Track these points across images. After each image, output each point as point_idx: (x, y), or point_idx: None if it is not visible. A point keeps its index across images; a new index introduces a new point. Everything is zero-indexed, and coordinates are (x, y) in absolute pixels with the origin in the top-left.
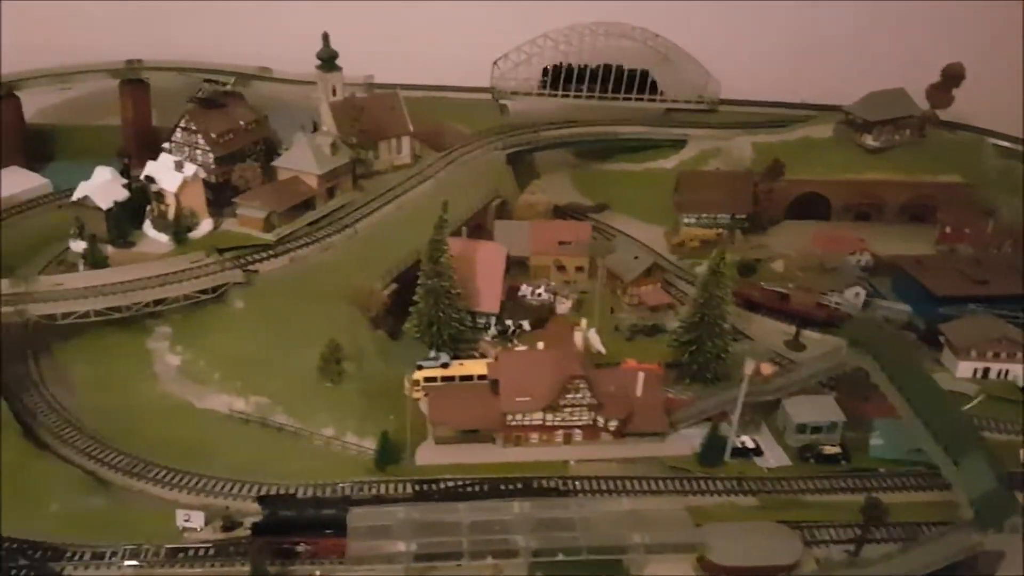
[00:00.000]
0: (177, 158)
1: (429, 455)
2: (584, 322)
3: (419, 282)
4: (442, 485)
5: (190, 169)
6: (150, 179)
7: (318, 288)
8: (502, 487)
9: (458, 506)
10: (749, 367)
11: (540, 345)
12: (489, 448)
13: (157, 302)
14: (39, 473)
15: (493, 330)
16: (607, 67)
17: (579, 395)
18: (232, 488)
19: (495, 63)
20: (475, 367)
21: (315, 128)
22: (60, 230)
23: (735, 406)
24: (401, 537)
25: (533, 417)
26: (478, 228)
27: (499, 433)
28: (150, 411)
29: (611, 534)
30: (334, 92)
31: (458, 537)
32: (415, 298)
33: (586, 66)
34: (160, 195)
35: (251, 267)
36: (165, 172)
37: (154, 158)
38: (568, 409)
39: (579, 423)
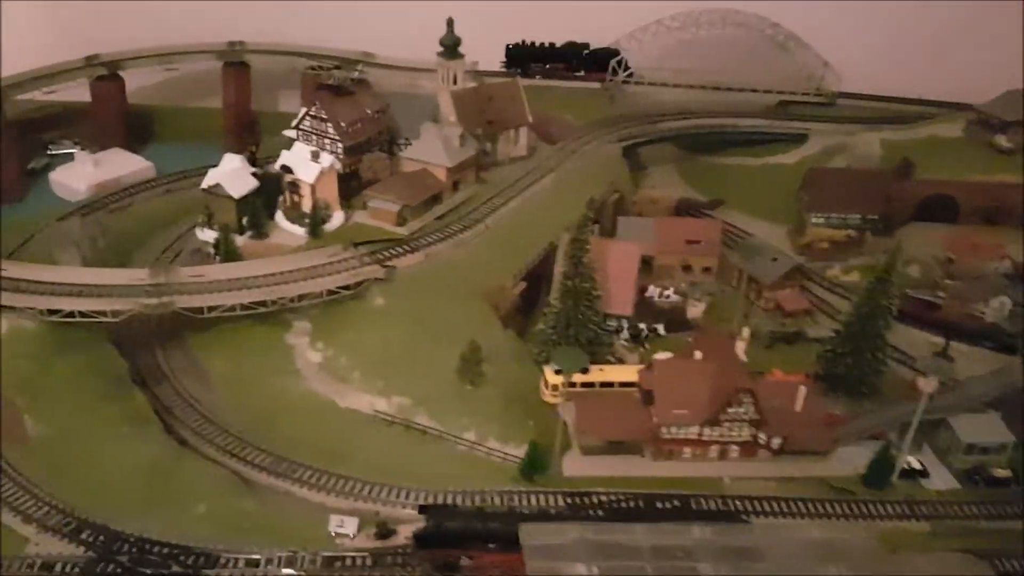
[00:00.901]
0: (312, 147)
1: (576, 466)
2: (746, 332)
3: (559, 282)
4: (595, 499)
5: (327, 160)
6: (286, 168)
7: (453, 285)
8: (658, 504)
9: (635, 527)
10: (928, 384)
11: (697, 354)
12: (638, 461)
13: (300, 297)
14: (184, 472)
15: (626, 333)
16: (571, 44)
17: (741, 410)
18: (381, 492)
19: None
20: (618, 373)
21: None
22: (167, 216)
23: (901, 424)
24: (580, 559)
25: (688, 431)
26: (595, 224)
27: (650, 446)
28: (292, 409)
29: (803, 566)
30: (455, 80)
31: (640, 562)
32: (551, 298)
33: (551, 44)
34: (295, 185)
35: (389, 263)
36: (301, 162)
37: (253, 142)
38: (728, 424)
39: (738, 439)
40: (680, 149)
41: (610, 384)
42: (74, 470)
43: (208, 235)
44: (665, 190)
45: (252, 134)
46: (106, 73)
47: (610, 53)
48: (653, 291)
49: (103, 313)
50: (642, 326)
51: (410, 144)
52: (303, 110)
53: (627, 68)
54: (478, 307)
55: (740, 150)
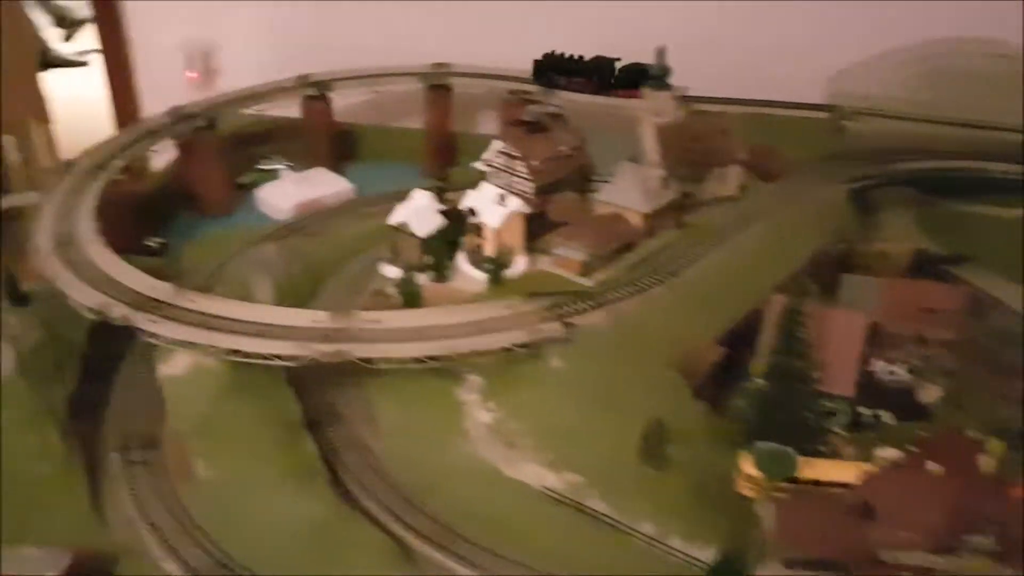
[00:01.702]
0: (500, 190)
1: None
2: (996, 445)
3: (767, 354)
4: None
5: (514, 203)
6: (472, 211)
7: (640, 348)
8: None
9: None
10: None
11: (932, 466)
12: None
13: (474, 353)
14: (345, 534)
15: (843, 418)
16: (600, 59)
17: (984, 539)
18: None
19: (834, 77)
20: (832, 470)
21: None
22: (359, 243)
23: None
24: None
25: (913, 557)
26: (812, 277)
27: (863, 569)
28: (457, 471)
29: None
30: (660, 113)
31: None
32: (755, 371)
33: (581, 57)
34: (479, 228)
35: (570, 319)
36: (487, 205)
37: (451, 165)
38: (967, 554)
39: (977, 573)
40: (918, 193)
41: (820, 483)
42: (234, 518)
43: (392, 272)
44: (898, 242)
45: (450, 156)
46: (316, 93)
47: (641, 70)
48: (878, 366)
49: (280, 357)
50: (864, 411)
51: (605, 183)
52: (494, 144)
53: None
54: (667, 375)
55: (991, 198)
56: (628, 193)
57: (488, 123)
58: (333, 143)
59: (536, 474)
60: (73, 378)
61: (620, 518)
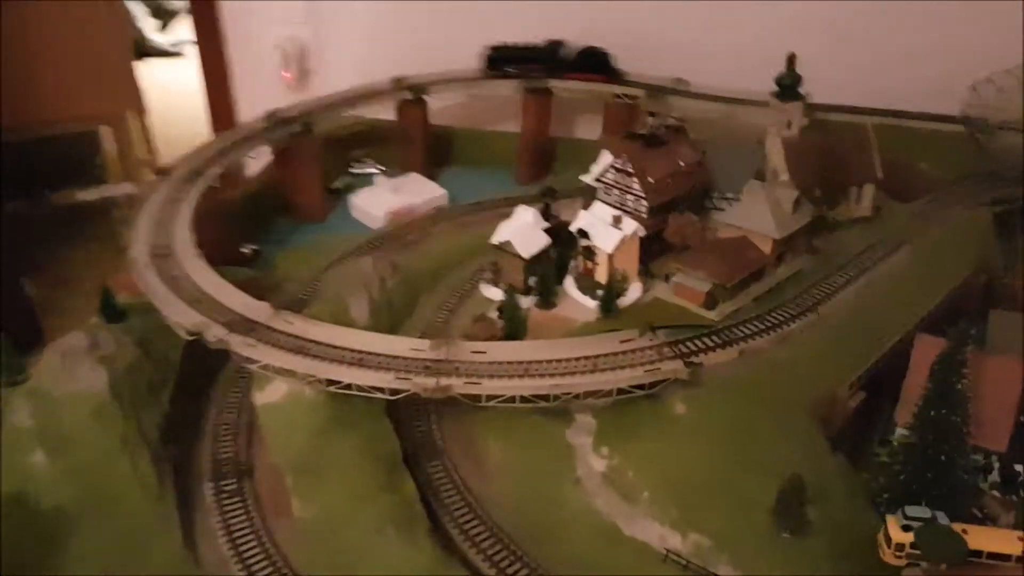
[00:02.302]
0: (614, 210)
1: None
2: None
3: (916, 405)
4: None
5: (630, 226)
6: (582, 233)
7: (773, 394)
8: None
9: None
10: None
11: None
12: None
13: (586, 394)
14: None
15: (995, 475)
16: (553, 43)
17: None
18: None
19: (973, 87)
20: (990, 539)
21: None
22: (455, 255)
23: None
24: None
25: None
26: (952, 312)
27: None
28: (569, 523)
29: None
30: (788, 125)
31: None
32: (904, 428)
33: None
34: (590, 251)
35: (694, 358)
36: (600, 227)
37: (545, 171)
38: None
39: None
40: None
41: (977, 554)
42: (331, 564)
43: (493, 293)
44: None
45: (547, 162)
46: (411, 97)
47: (600, 54)
48: None
49: (380, 390)
50: (1020, 468)
51: (726, 202)
52: (603, 158)
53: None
54: (803, 424)
55: None
56: (757, 215)
57: (586, 127)
58: (428, 147)
59: (657, 533)
60: (166, 400)
61: None
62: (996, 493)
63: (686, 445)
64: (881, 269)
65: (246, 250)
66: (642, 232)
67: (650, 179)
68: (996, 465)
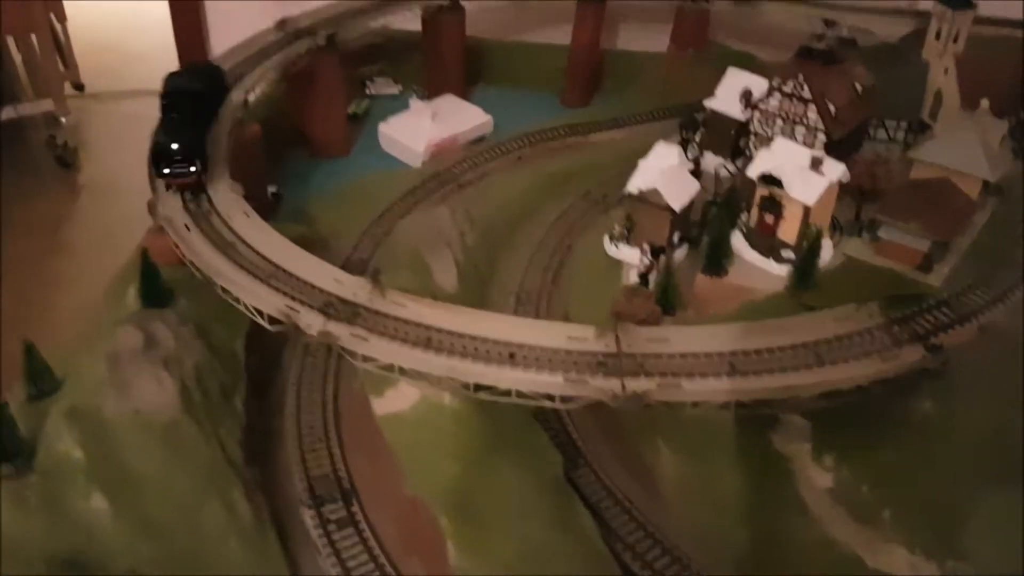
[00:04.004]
0: (811, 151)
1: None
2: None
3: None
4: None
5: (835, 170)
6: (770, 179)
7: (1016, 380)
8: None
9: None
10: None
11: None
12: None
13: (823, 396)
14: None
15: None
16: None
17: None
18: None
19: None
20: None
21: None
22: (525, 198)
23: None
24: None
25: None
26: None
27: None
28: (790, 555)
29: None
30: (956, 39)
31: None
32: None
33: None
34: (773, 203)
35: (935, 341)
36: (793, 171)
37: (594, 92)
38: None
39: None
40: None
41: None
42: None
43: (626, 254)
44: None
45: (596, 81)
46: (445, 3)
47: None
48: None
49: (549, 397)
50: None
51: (903, 134)
52: (768, 83)
53: None
54: None
55: None
56: (966, 153)
57: (631, 37)
58: (463, 64)
59: (908, 564)
60: (241, 407)
61: None
62: None
63: (935, 451)
64: None
65: (269, 193)
66: (847, 179)
67: (832, 107)
68: None
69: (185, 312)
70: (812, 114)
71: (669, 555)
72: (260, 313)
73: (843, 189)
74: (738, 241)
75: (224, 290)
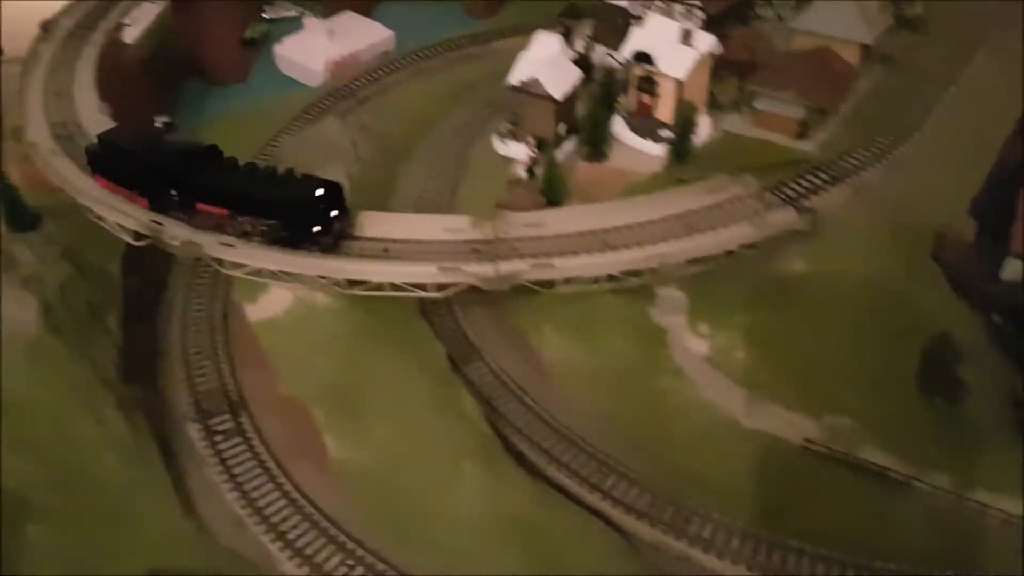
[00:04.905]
0: (682, 23)
1: None
2: None
3: None
4: None
5: (705, 42)
6: (643, 57)
7: (896, 237)
8: None
9: None
10: None
11: None
12: None
13: (693, 261)
14: (551, 525)
15: None
16: None
17: None
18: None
19: None
20: None
21: None
22: (423, 109)
23: None
24: None
25: None
26: None
27: None
28: (674, 423)
29: None
30: None
31: None
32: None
33: None
34: (649, 81)
35: (805, 204)
36: (664, 46)
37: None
38: None
39: None
40: None
41: None
42: (390, 515)
43: (514, 150)
44: None
45: None
46: None
47: None
48: None
49: (422, 287)
50: None
51: (786, 5)
52: None
53: None
54: (932, 272)
55: None
56: (841, 18)
57: None
58: None
59: (786, 421)
60: (115, 325)
61: (911, 471)
62: None
63: (808, 309)
64: (983, 59)
65: (158, 123)
66: (718, 48)
67: None
68: None
69: (52, 235)
70: None
71: (554, 431)
72: (126, 231)
73: (723, 66)
74: (620, 126)
75: (88, 209)
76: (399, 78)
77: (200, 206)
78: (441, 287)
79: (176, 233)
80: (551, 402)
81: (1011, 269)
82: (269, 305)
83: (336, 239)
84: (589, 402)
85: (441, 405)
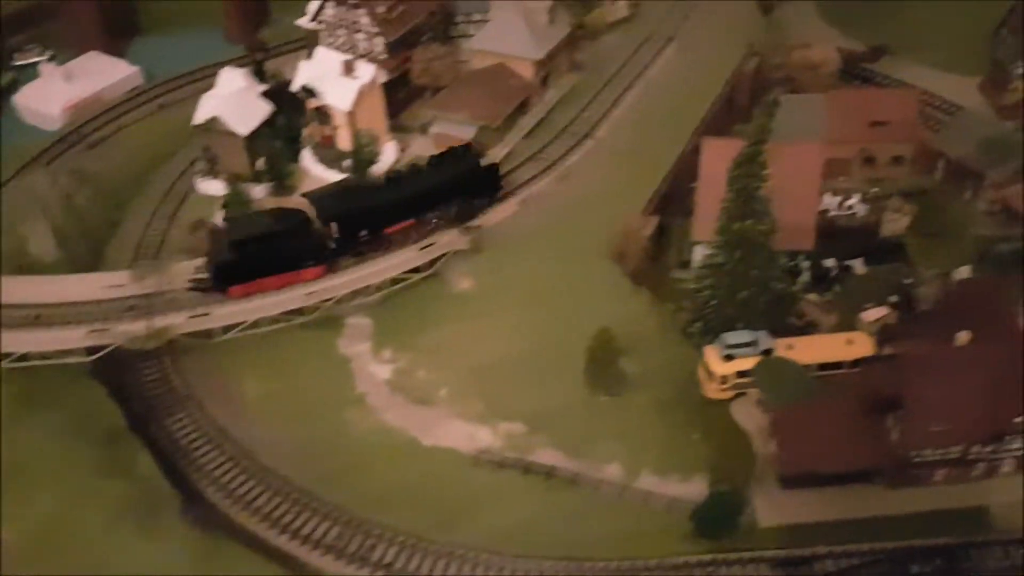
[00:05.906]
0: (345, 56)
1: (776, 509)
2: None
3: (720, 222)
4: (817, 567)
5: (366, 72)
6: (308, 91)
7: (564, 241)
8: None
9: None
10: None
11: (962, 337)
12: (862, 491)
13: (353, 294)
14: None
15: (806, 276)
16: None
17: None
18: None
19: None
20: (818, 348)
21: None
22: (163, 146)
23: None
24: None
25: (950, 451)
26: (728, 105)
27: (888, 478)
28: (359, 451)
29: None
30: None
31: None
32: (705, 246)
33: None
34: (324, 114)
35: (471, 224)
36: (330, 80)
37: (261, 23)
38: (1008, 437)
39: (1017, 452)
40: None
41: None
42: None
43: (213, 187)
44: (815, 45)
45: (261, 12)
46: None
47: None
48: (830, 202)
49: (67, 354)
50: (830, 263)
51: (475, 25)
52: None
53: None
54: (605, 270)
55: None
56: (513, 36)
57: None
58: (106, 15)
59: (465, 434)
60: None
61: (579, 467)
62: (811, 296)
63: (478, 323)
64: (651, 74)
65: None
66: (382, 76)
67: (379, 8)
68: (805, 265)
69: None
70: (364, 18)
71: (251, 475)
72: None
73: (414, 91)
74: (308, 158)
75: None
76: (141, 114)
77: None
78: (91, 351)
79: None
80: (252, 442)
81: (697, 253)
82: None
83: None
84: (288, 438)
85: (108, 469)
